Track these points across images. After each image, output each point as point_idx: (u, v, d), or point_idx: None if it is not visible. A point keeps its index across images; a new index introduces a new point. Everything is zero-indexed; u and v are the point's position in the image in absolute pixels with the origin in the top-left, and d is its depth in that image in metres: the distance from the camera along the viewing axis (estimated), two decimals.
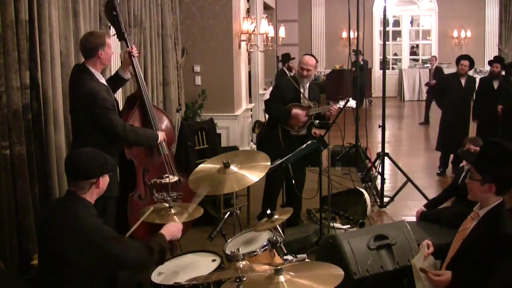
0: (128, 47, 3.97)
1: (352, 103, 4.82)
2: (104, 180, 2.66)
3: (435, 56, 13.17)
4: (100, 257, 2.47)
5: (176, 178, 3.97)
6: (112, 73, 4.83)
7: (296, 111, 4.82)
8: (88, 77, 3.56)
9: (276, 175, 4.36)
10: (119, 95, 5.09)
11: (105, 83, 3.72)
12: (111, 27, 4.04)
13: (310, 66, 4.88)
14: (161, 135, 3.94)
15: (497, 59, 7.56)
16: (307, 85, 4.98)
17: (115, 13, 3.94)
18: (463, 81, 7.07)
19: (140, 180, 3.93)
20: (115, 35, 4.05)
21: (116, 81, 3.99)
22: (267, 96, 6.05)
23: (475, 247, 2.72)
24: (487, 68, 7.73)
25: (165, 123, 4.24)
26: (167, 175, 3.94)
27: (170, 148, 4.26)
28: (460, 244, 2.82)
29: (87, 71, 3.57)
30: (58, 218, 2.56)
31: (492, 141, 2.88)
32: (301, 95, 4.93)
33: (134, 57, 3.93)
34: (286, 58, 9.57)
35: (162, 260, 2.70)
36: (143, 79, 4.12)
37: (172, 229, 2.84)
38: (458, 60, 7.13)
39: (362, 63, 11.79)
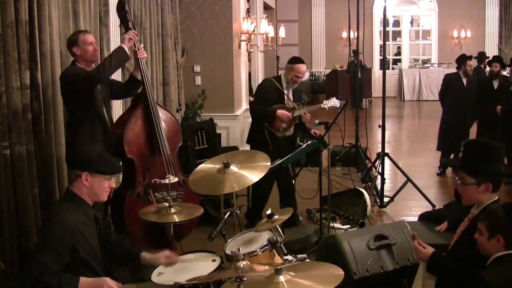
0: (135, 46, 3.95)
1: (335, 102, 4.93)
2: (95, 181, 2.63)
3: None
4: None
5: (176, 179, 3.95)
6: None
7: (281, 111, 4.84)
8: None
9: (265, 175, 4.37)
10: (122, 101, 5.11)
11: None
12: (121, 25, 4.06)
13: (303, 73, 4.98)
14: (126, 43, 3.78)
15: (496, 59, 7.57)
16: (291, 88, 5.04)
17: (124, 12, 3.93)
18: (465, 81, 7.07)
19: (139, 179, 3.93)
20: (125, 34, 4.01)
21: (131, 83, 4.05)
22: None
23: (469, 245, 2.71)
24: (487, 68, 7.73)
25: (170, 123, 4.21)
26: (168, 175, 3.93)
27: (175, 149, 4.20)
28: (454, 244, 2.83)
29: (74, 65, 3.76)
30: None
31: (472, 141, 2.93)
32: (285, 96, 4.96)
33: (139, 57, 3.93)
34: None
35: None
36: (148, 79, 4.09)
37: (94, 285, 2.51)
38: (464, 61, 7.10)
39: (363, 65, 11.55)
